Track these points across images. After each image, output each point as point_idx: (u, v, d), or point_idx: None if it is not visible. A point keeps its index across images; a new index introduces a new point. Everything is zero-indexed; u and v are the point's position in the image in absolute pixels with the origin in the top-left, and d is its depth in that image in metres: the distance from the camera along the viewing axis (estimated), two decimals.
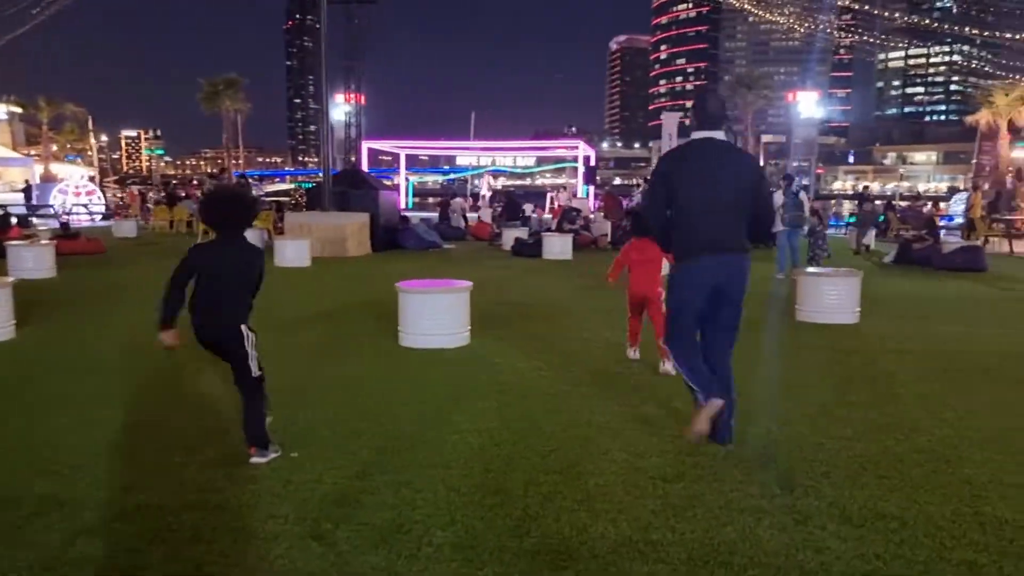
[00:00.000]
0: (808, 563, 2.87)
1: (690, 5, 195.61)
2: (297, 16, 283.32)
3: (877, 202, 25.25)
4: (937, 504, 3.39)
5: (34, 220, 24.10)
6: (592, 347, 6.84)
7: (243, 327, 3.83)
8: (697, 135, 4.17)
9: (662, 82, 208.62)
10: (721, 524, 3.21)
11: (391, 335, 7.01)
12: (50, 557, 2.93)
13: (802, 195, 13.09)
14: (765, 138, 52.84)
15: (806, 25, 73.30)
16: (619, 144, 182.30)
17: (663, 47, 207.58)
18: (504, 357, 6.40)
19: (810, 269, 8.80)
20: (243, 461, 3.87)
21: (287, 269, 13.37)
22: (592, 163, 35.05)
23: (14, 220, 17.84)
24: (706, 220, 4.04)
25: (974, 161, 41.13)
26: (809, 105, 39.54)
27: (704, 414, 4.02)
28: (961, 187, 48.92)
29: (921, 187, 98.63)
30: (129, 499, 3.47)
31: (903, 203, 28.84)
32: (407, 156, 40.86)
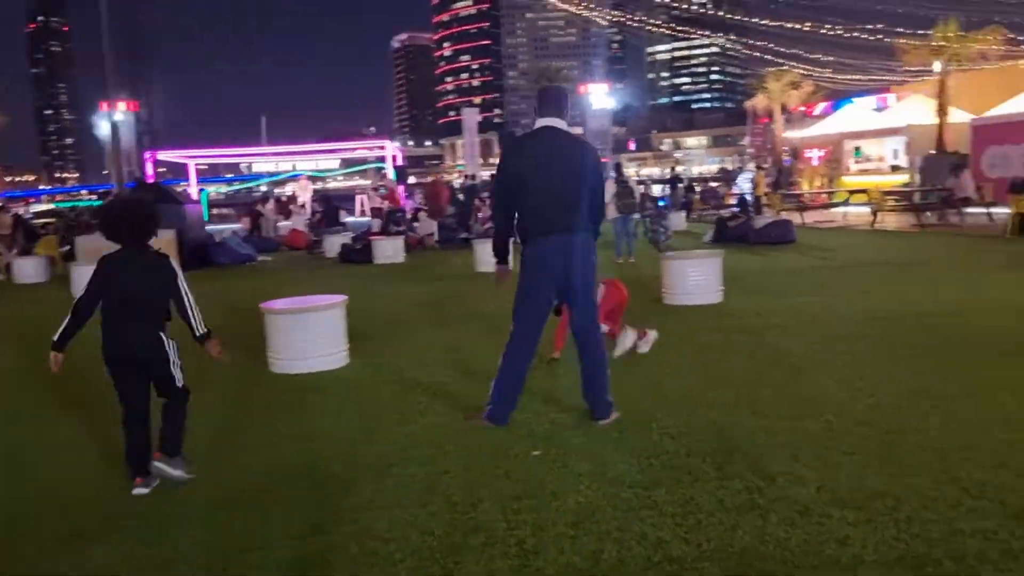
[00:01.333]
0: (842, 557, 2.76)
1: (470, 2, 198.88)
2: (41, 18, 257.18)
3: (680, 185, 26.88)
4: (915, 476, 3.43)
5: None
6: (484, 351, 6.53)
7: (162, 335, 3.75)
8: (540, 123, 4.38)
9: (448, 79, 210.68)
10: (730, 528, 3.04)
11: (258, 362, 6.32)
12: None
13: (631, 182, 13.53)
14: None
15: (583, 20, 76.69)
16: (410, 143, 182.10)
17: (446, 44, 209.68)
18: (399, 373, 5.95)
19: (671, 253, 8.98)
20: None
21: None
22: (400, 162, 34.51)
23: None
24: (551, 204, 4.23)
25: (746, 142, 44.96)
26: (600, 96, 41.23)
27: (475, 421, 4.45)
28: (730, 168, 53.33)
29: (696, 169, 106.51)
30: None
31: (698, 186, 30.88)
32: (185, 166, 38.02)
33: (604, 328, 5.37)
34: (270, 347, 6.31)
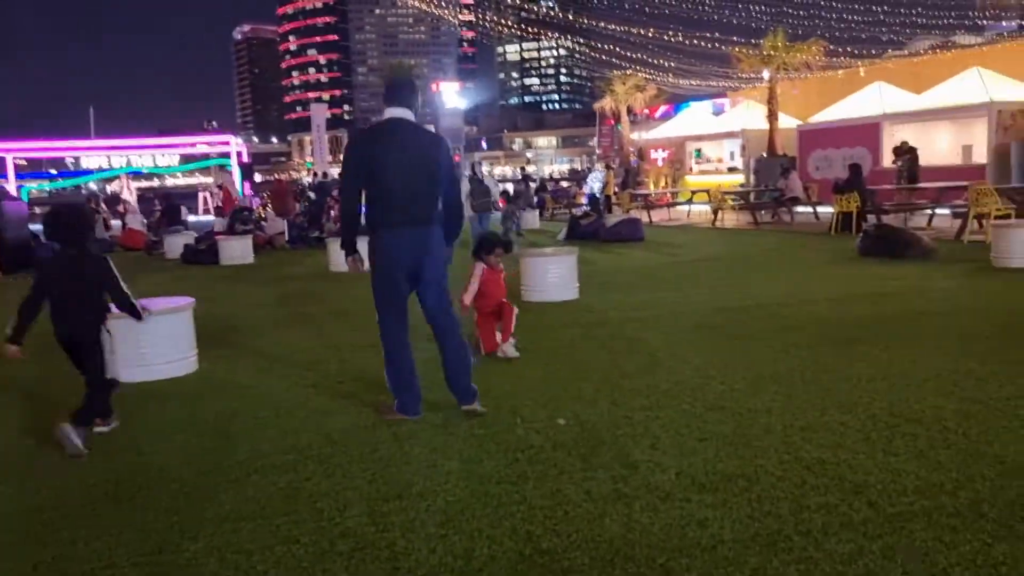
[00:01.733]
0: (702, 539, 2.88)
1: None
2: None
3: (532, 184, 27.34)
4: (763, 457, 3.64)
5: None
6: (339, 353, 6.38)
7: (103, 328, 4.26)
8: (388, 113, 4.36)
9: (295, 74, 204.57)
10: (598, 517, 3.10)
11: None
12: None
13: (487, 181, 13.65)
14: None
15: (432, 17, 76.60)
16: (255, 139, 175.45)
17: (292, 38, 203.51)
18: (253, 378, 5.71)
19: (530, 250, 9.10)
20: None
21: None
22: (246, 159, 33.19)
23: None
24: (401, 195, 4.23)
25: (594, 143, 46.37)
26: (452, 95, 41.42)
27: (391, 418, 4.44)
28: (579, 168, 54.91)
29: (546, 169, 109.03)
30: None
31: (550, 185, 31.58)
32: (2, 160, 34.87)
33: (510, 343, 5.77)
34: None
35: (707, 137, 30.25)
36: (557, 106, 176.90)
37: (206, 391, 5.42)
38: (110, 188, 36.35)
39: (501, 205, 14.89)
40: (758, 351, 5.73)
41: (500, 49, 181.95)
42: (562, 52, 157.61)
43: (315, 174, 29.52)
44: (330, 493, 3.50)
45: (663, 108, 41.50)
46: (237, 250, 15.07)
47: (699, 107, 35.79)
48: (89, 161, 42.02)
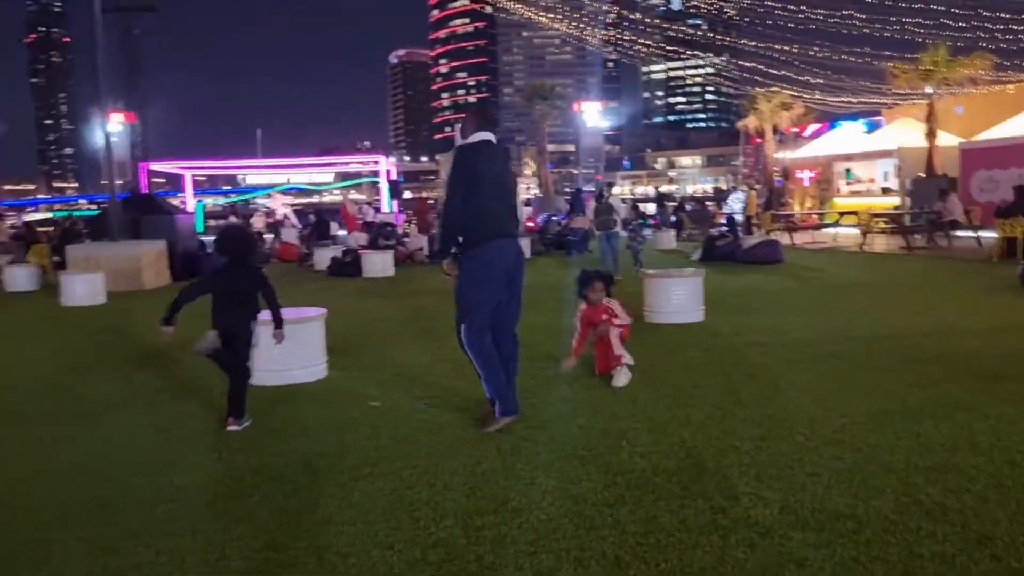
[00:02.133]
0: None
1: (467, 20, 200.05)
2: (42, 28, 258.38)
3: (670, 204, 26.97)
4: (878, 498, 3.42)
5: None
6: (458, 369, 6.51)
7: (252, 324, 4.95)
8: (479, 136, 4.69)
9: (445, 95, 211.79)
10: (690, 548, 3.02)
11: None
12: None
13: (613, 201, 13.59)
14: (548, 147, 54.83)
15: (579, 38, 77.33)
16: (406, 158, 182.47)
17: (443, 61, 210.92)
18: (376, 387, 5.94)
19: (652, 271, 8.99)
20: None
21: (81, 309, 11.88)
22: (394, 177, 34.59)
23: None
24: (500, 208, 4.61)
25: (739, 162, 45.12)
26: (593, 115, 41.44)
27: (497, 426, 4.57)
28: (724, 187, 53.50)
29: (689, 189, 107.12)
30: None
31: (689, 205, 30.98)
32: (182, 177, 38.10)
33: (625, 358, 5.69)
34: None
35: (858, 156, 28.78)
36: (702, 125, 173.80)
37: (330, 398, 5.69)
38: (263, 203, 38.83)
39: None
40: (889, 384, 5.40)
41: (645, 68, 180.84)
42: (708, 70, 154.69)
43: None
44: (429, 503, 3.59)
45: (814, 126, 39.83)
46: (378, 264, 15.72)
47: (850, 125, 34.10)
48: (254, 178, 45.05)
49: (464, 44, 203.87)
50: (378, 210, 29.83)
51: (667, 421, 4.67)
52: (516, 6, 62.73)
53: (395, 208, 31.49)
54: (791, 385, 5.44)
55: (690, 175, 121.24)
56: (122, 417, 5.39)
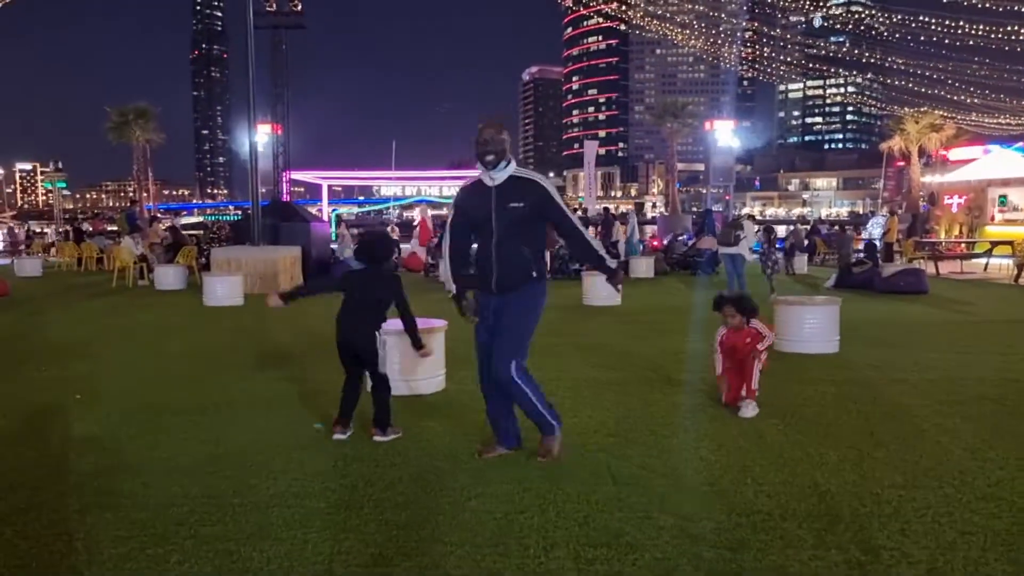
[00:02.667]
0: None
1: (600, 38, 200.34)
2: (204, 46, 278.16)
3: (802, 227, 25.84)
4: None
5: None
6: (575, 387, 6.37)
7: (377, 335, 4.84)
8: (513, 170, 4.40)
9: (575, 112, 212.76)
10: None
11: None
12: None
13: (746, 223, 13.08)
14: (678, 165, 53.90)
15: (713, 57, 75.85)
16: None
17: (575, 78, 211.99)
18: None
19: (787, 297, 8.55)
20: None
21: (220, 308, 12.51)
22: None
23: None
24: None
25: (879, 186, 42.84)
26: (725, 134, 40.39)
27: (558, 443, 4.40)
28: (861, 211, 50.93)
29: (824, 212, 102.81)
30: None
31: (822, 227, 29.59)
32: (319, 187, 39.82)
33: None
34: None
35: (1015, 182, 26.68)
36: (840, 146, 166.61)
37: (447, 411, 5.66)
38: (407, 215, 40.03)
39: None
40: None
41: (782, 87, 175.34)
42: (850, 89, 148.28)
43: (575, 209, 30.28)
44: (540, 530, 3.46)
45: (967, 149, 37.32)
46: None
47: (1002, 152, 31.68)
48: (387, 189, 46.53)
49: (596, 61, 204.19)
50: None
51: (798, 459, 4.36)
52: (651, 23, 62.18)
53: None
54: (938, 429, 4.98)
55: (825, 198, 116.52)
56: (244, 416, 5.55)
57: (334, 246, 22.53)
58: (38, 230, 47.23)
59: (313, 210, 34.88)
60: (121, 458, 4.60)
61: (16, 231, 44.40)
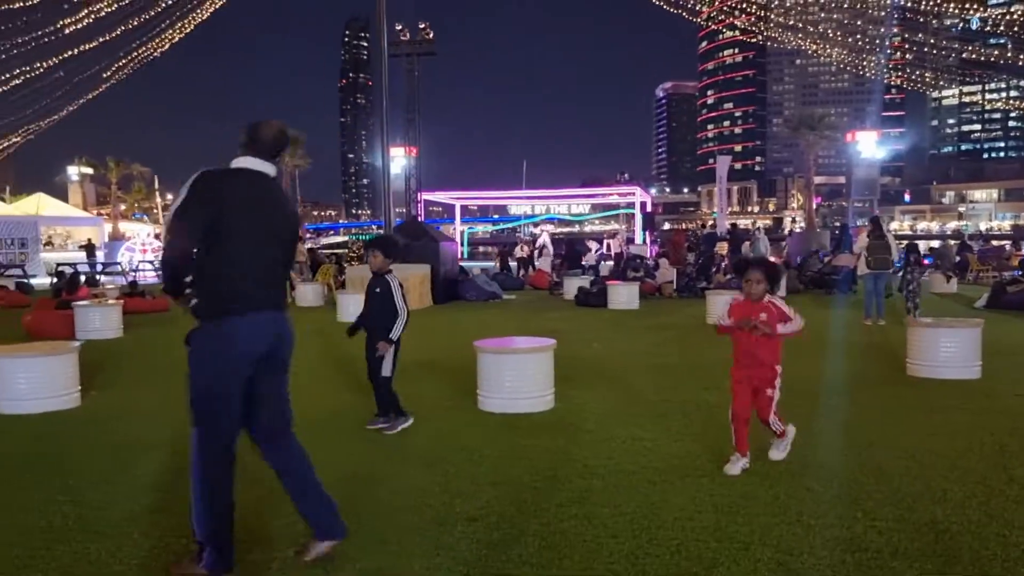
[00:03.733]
0: None
1: (736, 51, 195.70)
2: (351, 75, 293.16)
3: (952, 242, 24.18)
4: None
5: (101, 279, 24.32)
6: (690, 408, 6.22)
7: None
8: (249, 163, 3.28)
9: (710, 127, 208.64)
10: None
11: (469, 398, 6.50)
12: None
13: (889, 237, 12.35)
14: (817, 179, 51.74)
15: (858, 65, 72.57)
16: (667, 189, 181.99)
17: (710, 92, 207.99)
18: (599, 423, 5.82)
19: (925, 319, 8.02)
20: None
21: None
22: (649, 209, 34.50)
23: (82, 279, 17.99)
24: (255, 269, 3.20)
25: None
26: (869, 145, 38.47)
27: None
28: None
29: (983, 226, 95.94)
30: None
31: (972, 243, 27.51)
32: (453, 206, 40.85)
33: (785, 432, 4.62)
34: (480, 384, 6.45)
35: None
36: (1001, 154, 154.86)
37: (551, 430, 5.65)
38: (533, 232, 40.51)
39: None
40: None
41: (935, 94, 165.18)
42: (1013, 94, 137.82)
43: (703, 224, 29.72)
44: (631, 557, 3.39)
45: None
46: (623, 295, 15.62)
47: None
48: (517, 208, 47.13)
49: (732, 75, 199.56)
50: (631, 240, 29.92)
51: (916, 494, 4.07)
52: (788, 35, 60.26)
53: (648, 239, 31.32)
54: None
55: (983, 210, 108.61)
56: (348, 426, 5.75)
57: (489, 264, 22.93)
58: None
59: (449, 230, 35.87)
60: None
61: None
